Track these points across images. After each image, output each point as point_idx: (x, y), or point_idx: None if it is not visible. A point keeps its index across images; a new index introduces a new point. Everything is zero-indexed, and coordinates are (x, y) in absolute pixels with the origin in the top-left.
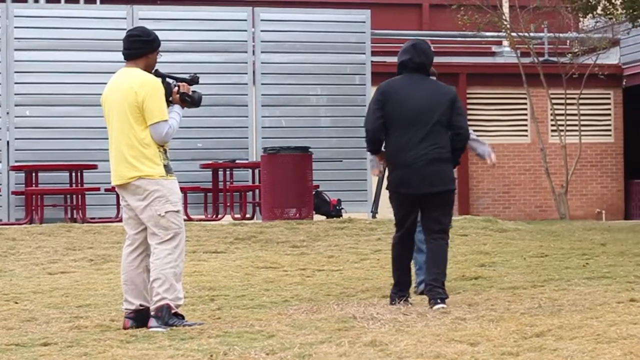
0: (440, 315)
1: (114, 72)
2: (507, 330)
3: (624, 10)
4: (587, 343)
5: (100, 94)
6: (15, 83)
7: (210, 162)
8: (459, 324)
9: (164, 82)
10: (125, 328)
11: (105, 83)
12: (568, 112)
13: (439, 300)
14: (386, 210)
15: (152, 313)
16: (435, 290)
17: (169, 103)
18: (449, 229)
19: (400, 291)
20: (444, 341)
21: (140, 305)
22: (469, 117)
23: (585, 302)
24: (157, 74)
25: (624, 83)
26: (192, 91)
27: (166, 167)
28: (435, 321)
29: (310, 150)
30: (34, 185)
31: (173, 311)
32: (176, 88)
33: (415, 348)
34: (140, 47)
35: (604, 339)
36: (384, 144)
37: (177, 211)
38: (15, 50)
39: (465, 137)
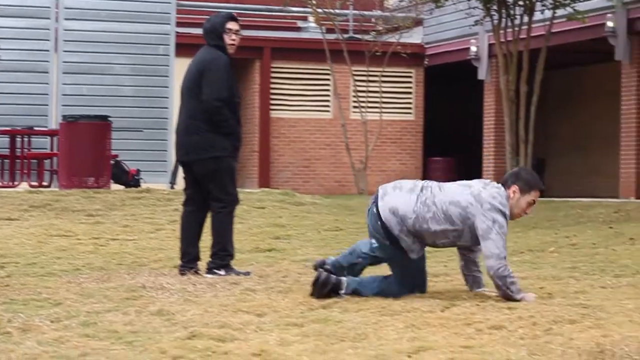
0: (230, 286)
1: None
2: (294, 301)
3: None
4: (372, 315)
5: None
6: None
7: (7, 128)
8: (248, 295)
9: None
10: None
11: None
12: (370, 89)
13: (214, 270)
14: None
15: None
16: (214, 261)
17: None
18: (227, 198)
19: (188, 262)
20: (231, 311)
21: None
22: (272, 92)
23: None
24: None
25: (425, 62)
26: None
27: None
28: (224, 292)
29: (110, 119)
30: None
31: None
32: None
33: (202, 318)
34: None
35: (388, 311)
36: None
37: None
38: None
39: (209, 108)
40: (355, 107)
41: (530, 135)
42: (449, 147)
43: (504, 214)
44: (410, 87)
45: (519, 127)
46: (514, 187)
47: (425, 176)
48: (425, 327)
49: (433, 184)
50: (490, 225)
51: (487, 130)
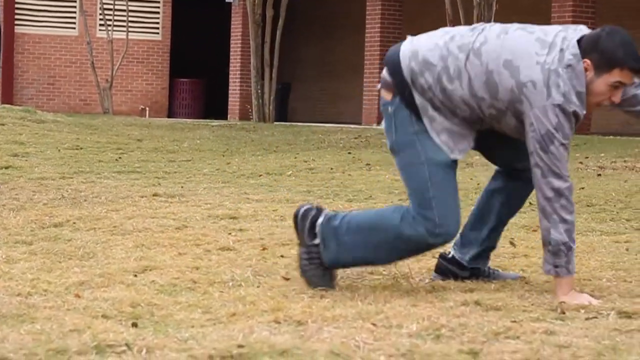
0: None
1: None
2: (26, 219)
3: None
4: (103, 234)
5: None
6: None
7: None
8: None
9: None
10: None
11: None
12: (117, 7)
13: None
14: None
15: None
16: None
17: None
18: None
19: None
20: None
21: None
22: (17, 6)
23: (109, 195)
24: None
25: None
26: None
27: None
28: None
29: None
30: None
31: None
32: None
33: None
34: None
35: (119, 230)
36: None
37: None
38: None
39: None
40: (101, 25)
41: (276, 59)
42: (196, 68)
43: (576, 116)
44: (157, 7)
45: (265, 50)
46: (587, 61)
47: (172, 97)
48: (155, 247)
49: (493, 25)
50: (552, 131)
51: (234, 53)
